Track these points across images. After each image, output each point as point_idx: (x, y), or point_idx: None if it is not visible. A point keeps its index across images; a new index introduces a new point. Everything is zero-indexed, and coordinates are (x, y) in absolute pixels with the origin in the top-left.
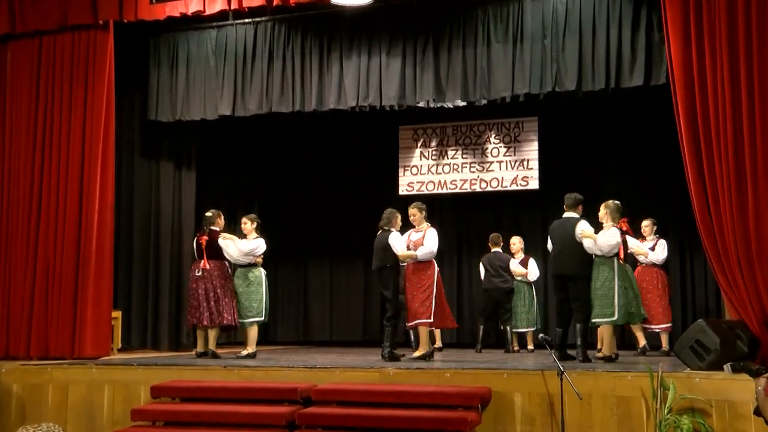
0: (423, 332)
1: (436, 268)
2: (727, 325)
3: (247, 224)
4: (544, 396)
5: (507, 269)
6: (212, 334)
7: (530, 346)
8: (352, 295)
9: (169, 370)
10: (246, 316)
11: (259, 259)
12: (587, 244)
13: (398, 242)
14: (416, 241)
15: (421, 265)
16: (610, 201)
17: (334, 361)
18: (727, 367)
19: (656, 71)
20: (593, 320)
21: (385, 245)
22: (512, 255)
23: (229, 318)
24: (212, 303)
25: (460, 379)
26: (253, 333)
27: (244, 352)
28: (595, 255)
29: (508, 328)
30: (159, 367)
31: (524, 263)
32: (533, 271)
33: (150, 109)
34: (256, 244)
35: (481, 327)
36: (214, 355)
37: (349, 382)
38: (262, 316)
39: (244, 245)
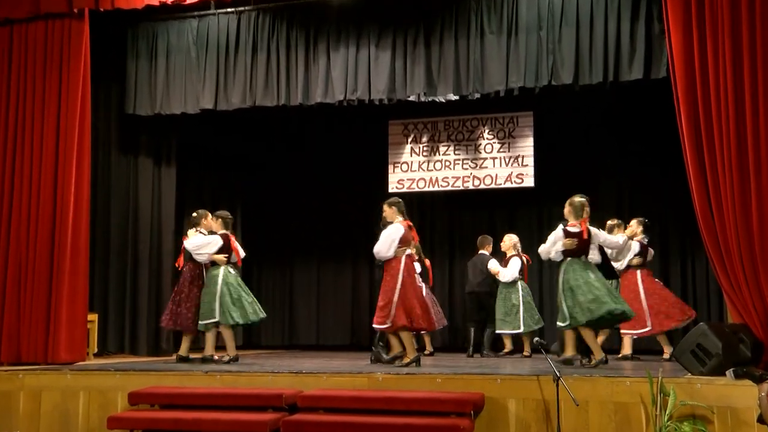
0: (404, 337)
1: (402, 266)
2: (729, 329)
3: (212, 222)
4: (540, 402)
5: (485, 271)
6: (186, 338)
7: (525, 351)
8: (339, 296)
9: (147, 375)
10: (202, 319)
11: (217, 257)
12: None
13: None
14: None
15: (385, 265)
16: (576, 197)
17: (320, 365)
18: (729, 372)
19: (656, 64)
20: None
21: None
22: (505, 254)
23: (184, 323)
24: (173, 305)
25: (452, 384)
26: (223, 336)
27: (226, 357)
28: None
29: (487, 331)
30: (137, 373)
31: (507, 263)
32: (506, 272)
33: (128, 102)
34: (200, 241)
35: (471, 330)
36: (181, 359)
37: (336, 388)
38: (213, 317)
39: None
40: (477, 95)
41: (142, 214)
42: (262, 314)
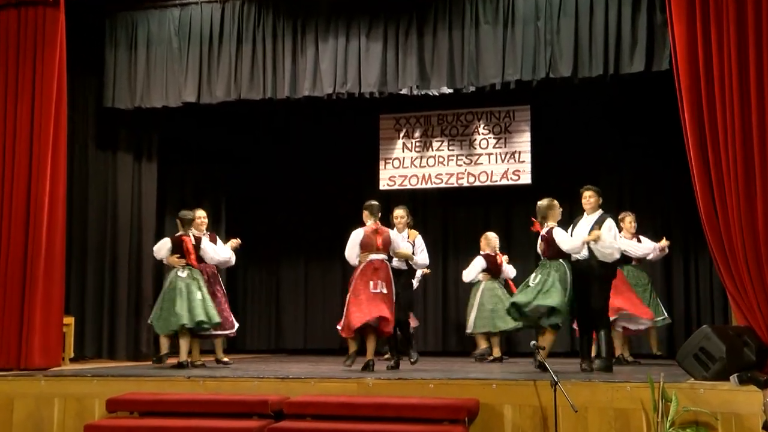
0: (350, 343)
1: (357, 272)
2: (733, 332)
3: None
4: (537, 408)
5: None
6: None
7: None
8: (328, 297)
9: (126, 381)
10: None
11: (171, 260)
12: None
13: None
14: None
15: None
16: (545, 199)
17: (308, 370)
18: (733, 378)
19: (659, 56)
20: None
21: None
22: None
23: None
24: None
25: (445, 390)
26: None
27: (198, 362)
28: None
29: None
30: (115, 379)
31: None
32: (465, 272)
33: (106, 95)
34: (155, 247)
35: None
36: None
37: (324, 394)
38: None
39: None
40: (472, 88)
41: (122, 211)
42: (198, 318)
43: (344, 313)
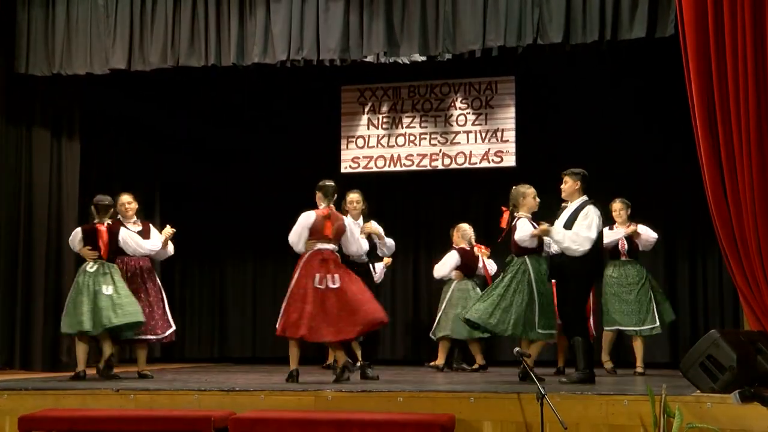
0: (291, 350)
1: (302, 263)
2: (745, 337)
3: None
4: (521, 425)
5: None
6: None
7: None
8: (280, 299)
9: (43, 395)
10: None
11: (84, 252)
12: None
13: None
14: None
15: None
16: (520, 185)
17: (257, 382)
18: (734, 395)
19: (663, 20)
20: None
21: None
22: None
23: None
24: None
25: (417, 404)
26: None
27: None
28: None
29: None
30: (30, 393)
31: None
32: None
33: (19, 59)
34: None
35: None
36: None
37: (276, 409)
38: None
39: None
40: (448, 56)
41: (38, 198)
42: (105, 325)
43: (281, 311)
